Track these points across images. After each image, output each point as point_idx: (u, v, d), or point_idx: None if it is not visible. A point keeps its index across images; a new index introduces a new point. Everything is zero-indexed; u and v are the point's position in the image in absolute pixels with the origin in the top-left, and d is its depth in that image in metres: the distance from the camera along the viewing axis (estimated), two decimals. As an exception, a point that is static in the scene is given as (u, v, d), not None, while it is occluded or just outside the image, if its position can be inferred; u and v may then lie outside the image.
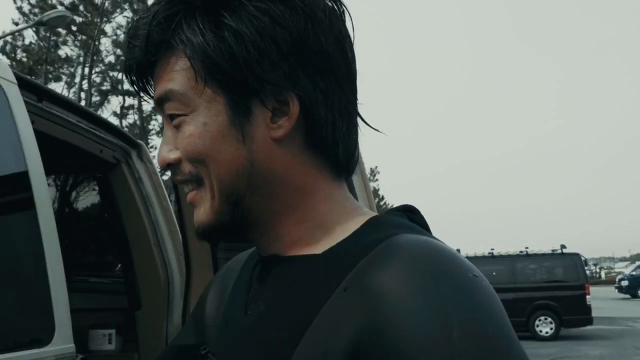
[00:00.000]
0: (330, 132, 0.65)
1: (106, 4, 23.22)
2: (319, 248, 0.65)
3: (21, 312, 1.42)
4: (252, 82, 0.62)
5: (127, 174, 2.63)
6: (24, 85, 1.52)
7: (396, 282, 0.54)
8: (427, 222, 0.70)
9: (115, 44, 26.68)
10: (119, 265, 3.01)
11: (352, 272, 0.58)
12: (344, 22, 0.67)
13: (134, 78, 0.68)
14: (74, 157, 2.22)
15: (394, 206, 0.73)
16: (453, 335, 0.50)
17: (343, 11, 0.67)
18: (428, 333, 0.50)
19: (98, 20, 24.54)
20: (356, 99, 0.69)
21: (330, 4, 0.66)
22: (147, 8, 0.67)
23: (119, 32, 27.66)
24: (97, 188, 2.86)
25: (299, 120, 0.64)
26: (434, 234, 0.67)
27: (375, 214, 0.70)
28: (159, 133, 36.67)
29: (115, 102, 30.90)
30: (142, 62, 0.66)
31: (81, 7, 24.13)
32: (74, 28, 23.52)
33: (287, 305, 0.64)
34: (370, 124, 0.71)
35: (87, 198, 3.06)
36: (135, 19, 0.70)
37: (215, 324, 0.81)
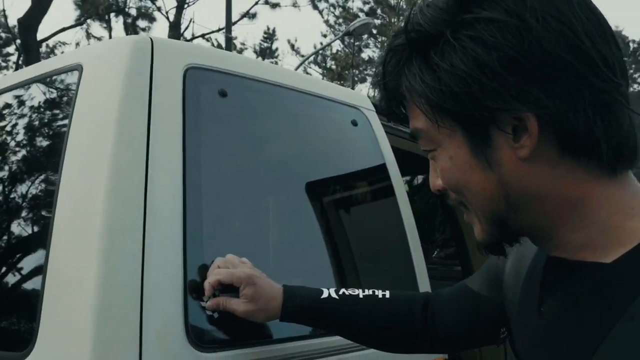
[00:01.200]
0: (585, 133, 0.60)
1: (401, 3, 24.18)
2: (608, 255, 0.62)
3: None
4: (480, 110, 0.61)
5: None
6: (376, 109, 1.77)
7: None
8: None
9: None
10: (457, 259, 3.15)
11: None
12: (571, 6, 0.60)
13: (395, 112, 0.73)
14: (414, 163, 2.46)
15: None
16: None
17: None
18: None
19: (395, 20, 25.66)
20: (614, 82, 0.61)
21: None
22: (383, 51, 0.70)
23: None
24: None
25: (546, 132, 0.61)
26: None
27: None
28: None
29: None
30: (390, 107, 0.71)
31: (379, 11, 25.51)
32: (374, 31, 24.99)
33: (578, 318, 0.63)
34: (631, 108, 0.62)
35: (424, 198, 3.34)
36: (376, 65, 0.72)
37: (514, 303, 0.80)
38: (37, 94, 1.38)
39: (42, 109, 1.36)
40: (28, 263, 1.21)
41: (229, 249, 1.16)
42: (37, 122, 1.37)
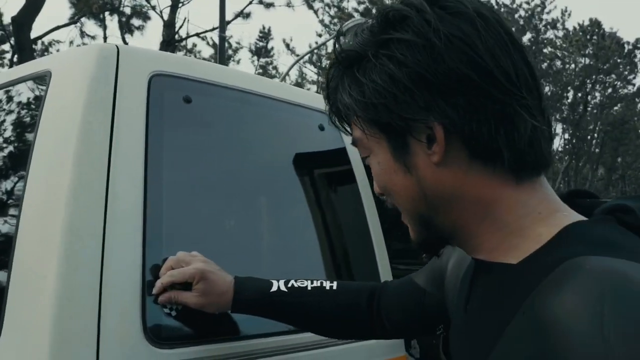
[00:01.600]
0: (488, 141, 0.66)
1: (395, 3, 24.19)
2: (516, 256, 0.67)
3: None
4: (395, 120, 0.69)
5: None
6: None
7: (564, 314, 0.54)
8: None
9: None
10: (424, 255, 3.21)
11: (532, 294, 0.59)
12: (474, 27, 0.66)
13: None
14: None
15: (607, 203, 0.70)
16: None
17: (472, 15, 0.67)
18: None
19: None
20: (517, 95, 0.66)
21: (453, 19, 0.67)
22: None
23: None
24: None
25: (454, 140, 0.67)
26: None
27: (574, 219, 0.68)
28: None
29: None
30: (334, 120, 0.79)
31: (373, 11, 25.52)
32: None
33: (488, 315, 0.69)
34: (532, 120, 0.67)
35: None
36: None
37: (453, 302, 0.86)
38: (8, 99, 1.43)
39: (13, 114, 1.41)
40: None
41: (188, 250, 1.22)
42: (7, 126, 1.42)
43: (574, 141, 33.64)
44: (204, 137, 1.39)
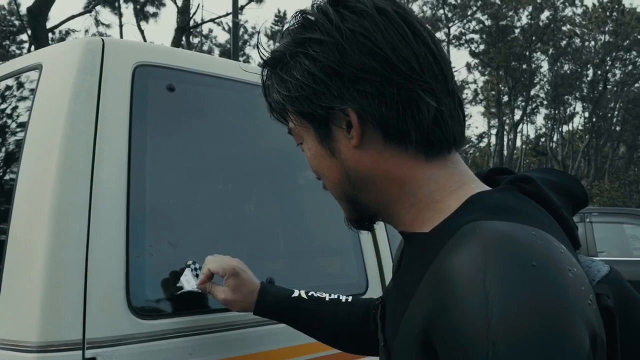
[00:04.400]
0: (396, 124, 0.74)
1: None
2: (430, 226, 0.75)
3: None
4: (316, 109, 0.77)
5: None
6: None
7: (454, 270, 0.61)
8: (544, 190, 0.74)
9: (423, 20, 27.43)
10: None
11: (438, 255, 0.66)
12: (374, 22, 0.74)
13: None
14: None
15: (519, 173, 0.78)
16: (491, 326, 0.56)
17: (371, 12, 0.74)
18: (471, 324, 0.57)
19: (405, 0, 25.48)
20: (419, 80, 0.73)
21: (354, 17, 0.74)
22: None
23: (425, 8, 28.43)
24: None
25: (369, 125, 0.75)
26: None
27: (478, 189, 0.75)
28: (472, 102, 36.63)
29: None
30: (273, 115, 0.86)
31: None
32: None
33: (407, 279, 0.75)
34: (433, 102, 0.74)
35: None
36: None
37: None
38: (4, 90, 1.53)
39: (8, 104, 1.51)
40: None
41: (170, 229, 1.31)
42: (4, 116, 1.52)
43: (593, 119, 33.23)
44: (187, 123, 1.47)
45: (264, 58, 0.83)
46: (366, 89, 0.74)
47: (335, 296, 1.22)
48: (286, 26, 0.82)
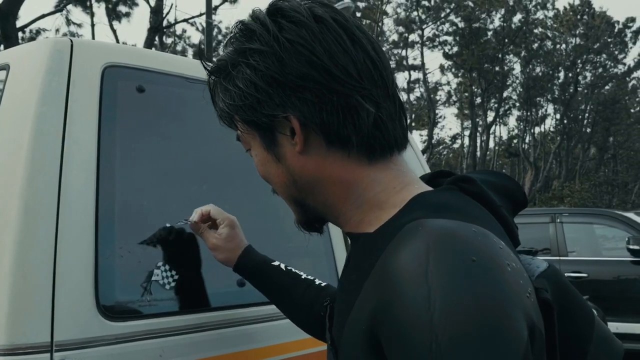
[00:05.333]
0: (338, 130, 0.76)
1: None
2: (375, 226, 0.77)
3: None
4: (260, 117, 0.79)
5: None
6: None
7: (397, 267, 0.63)
8: (484, 190, 0.77)
9: (397, 22, 27.67)
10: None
11: (382, 254, 0.68)
12: (311, 31, 0.76)
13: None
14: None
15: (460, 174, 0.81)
16: (434, 320, 0.58)
17: (308, 22, 0.76)
18: (414, 318, 0.59)
19: (379, 2, 25.62)
20: (357, 87, 0.75)
21: (292, 26, 0.76)
22: None
23: (399, 10, 28.58)
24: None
25: (311, 131, 0.77)
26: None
27: (421, 190, 0.78)
28: (445, 103, 36.98)
29: (400, 78, 31.98)
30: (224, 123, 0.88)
31: (363, -6, 25.49)
32: (358, 14, 24.98)
33: (352, 278, 0.77)
34: (372, 108, 0.76)
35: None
36: None
37: None
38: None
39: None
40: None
41: (139, 231, 1.30)
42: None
43: (565, 121, 33.76)
44: (156, 124, 1.47)
45: (208, 68, 0.85)
46: (307, 96, 0.76)
47: (311, 277, 1.25)
48: (229, 36, 0.83)
